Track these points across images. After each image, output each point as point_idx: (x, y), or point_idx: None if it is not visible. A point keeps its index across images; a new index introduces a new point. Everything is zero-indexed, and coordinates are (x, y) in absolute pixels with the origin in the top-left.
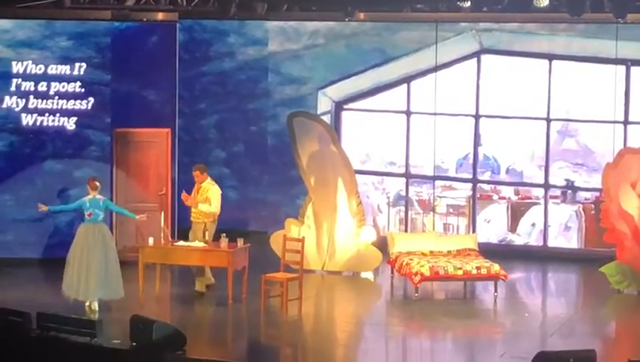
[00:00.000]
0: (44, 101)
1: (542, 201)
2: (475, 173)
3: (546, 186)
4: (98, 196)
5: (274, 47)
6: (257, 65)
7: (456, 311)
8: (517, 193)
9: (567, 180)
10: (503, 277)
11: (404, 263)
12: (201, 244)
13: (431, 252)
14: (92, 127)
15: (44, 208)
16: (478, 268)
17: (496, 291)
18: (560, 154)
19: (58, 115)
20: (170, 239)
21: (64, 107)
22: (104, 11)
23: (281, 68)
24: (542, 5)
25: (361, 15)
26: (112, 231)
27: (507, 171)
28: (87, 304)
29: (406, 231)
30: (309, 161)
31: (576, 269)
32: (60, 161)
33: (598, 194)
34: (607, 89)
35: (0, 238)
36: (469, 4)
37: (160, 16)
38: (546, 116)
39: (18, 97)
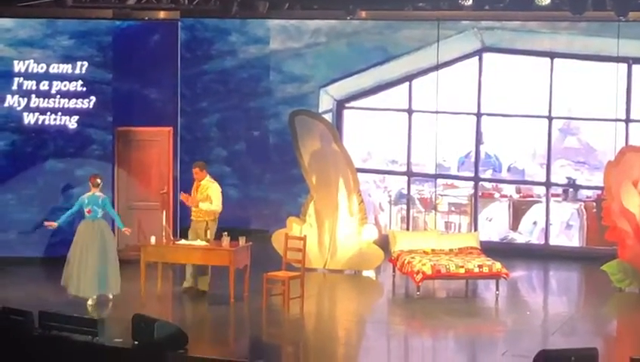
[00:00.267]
0: (46, 100)
1: (543, 199)
2: (476, 171)
3: (548, 184)
4: (98, 193)
5: (275, 45)
6: (259, 64)
7: (458, 309)
8: (519, 191)
9: (568, 178)
10: (505, 276)
11: (405, 261)
12: (203, 243)
13: (433, 250)
14: (94, 125)
15: (53, 225)
16: (479, 266)
17: (497, 289)
18: (562, 152)
19: (60, 113)
20: (172, 238)
21: (66, 106)
22: (106, 10)
23: (282, 66)
24: (543, 3)
25: (363, 13)
26: (113, 230)
27: (509, 169)
28: (89, 302)
29: (408, 229)
30: (311, 159)
31: (577, 267)
32: (62, 159)
33: (599, 192)
34: (608, 87)
35: (2, 237)
36: (470, 2)
37: (161, 14)
38: (547, 114)
39: (20, 96)
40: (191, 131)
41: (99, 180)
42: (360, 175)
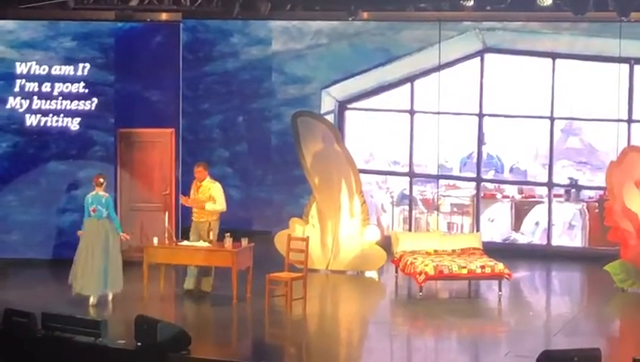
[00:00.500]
0: (48, 102)
1: (546, 200)
2: (478, 172)
3: (550, 185)
4: (101, 193)
5: (277, 46)
6: (261, 65)
7: (461, 310)
8: (521, 192)
9: (570, 179)
10: (507, 276)
11: (408, 262)
12: (206, 244)
13: (435, 251)
14: (96, 127)
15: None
16: (482, 267)
17: (500, 290)
18: (564, 152)
19: (62, 115)
20: (175, 239)
21: (68, 108)
22: (108, 12)
23: (284, 67)
24: (545, 4)
25: (365, 14)
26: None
27: (511, 170)
28: (91, 301)
29: (410, 230)
30: (314, 160)
31: (580, 268)
32: (64, 161)
33: (602, 192)
34: (610, 87)
35: (5, 239)
36: (472, 3)
37: (163, 16)
38: (549, 115)
39: (22, 98)
40: (193, 132)
41: (101, 179)
42: (362, 176)
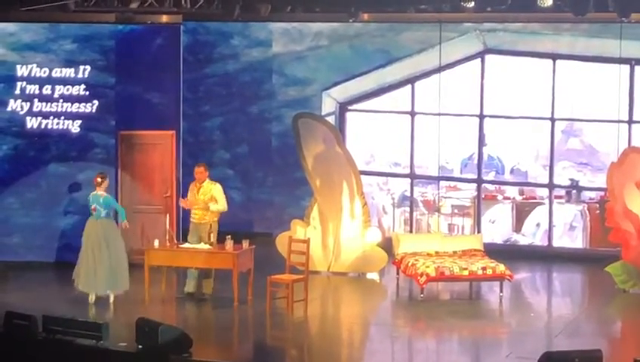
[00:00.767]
0: (49, 104)
1: (546, 201)
2: (479, 173)
3: (551, 186)
4: (100, 192)
5: (278, 48)
6: (261, 67)
7: (462, 311)
8: (521, 193)
9: (571, 180)
10: (509, 278)
11: (409, 264)
12: (207, 246)
13: (436, 252)
14: (97, 129)
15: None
16: (483, 268)
17: (501, 291)
18: (564, 153)
19: (63, 117)
20: (176, 241)
21: (69, 110)
22: (108, 14)
23: (285, 69)
24: (545, 5)
25: (365, 16)
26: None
27: (512, 171)
28: (90, 299)
29: (411, 231)
30: (315, 162)
31: (581, 269)
32: (65, 163)
33: (602, 193)
34: (611, 88)
35: (6, 241)
36: (472, 4)
37: (164, 18)
38: (550, 116)
39: (23, 100)
40: (194, 134)
41: (99, 179)
42: (363, 177)
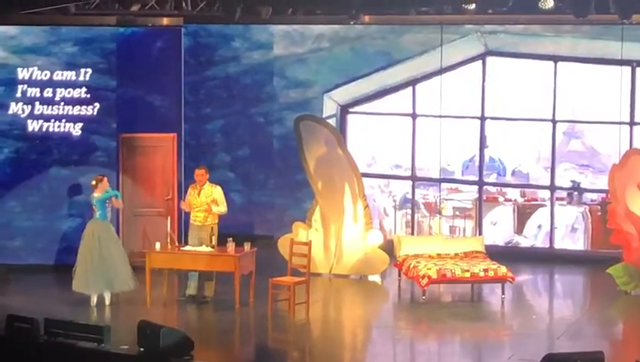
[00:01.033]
0: (50, 107)
1: (548, 203)
2: (481, 175)
3: (552, 188)
4: (95, 194)
5: (279, 50)
6: (262, 69)
7: (464, 313)
8: (523, 195)
9: (573, 182)
10: (510, 280)
11: (411, 266)
12: (208, 249)
13: (438, 254)
14: (98, 132)
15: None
16: (485, 270)
17: (503, 293)
18: (566, 155)
19: (64, 120)
20: (177, 244)
21: (70, 113)
22: (109, 17)
23: (286, 72)
24: (547, 7)
25: (366, 18)
26: (118, 235)
27: (513, 173)
28: (92, 300)
29: (412, 234)
30: (317, 165)
31: (582, 271)
32: (66, 166)
33: (604, 195)
34: (612, 90)
35: (7, 244)
36: (473, 6)
37: (165, 21)
38: (551, 118)
39: (24, 103)
40: (195, 137)
41: (93, 182)
42: (364, 180)
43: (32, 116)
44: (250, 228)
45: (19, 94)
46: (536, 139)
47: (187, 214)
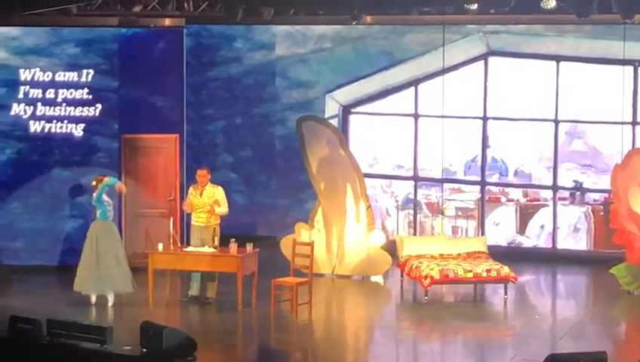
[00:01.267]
0: (52, 108)
1: (550, 203)
2: (483, 175)
3: (555, 188)
4: (94, 194)
5: (281, 51)
6: (264, 70)
7: (467, 313)
8: (525, 195)
9: (575, 182)
10: (513, 280)
11: (413, 266)
12: (211, 250)
13: (440, 255)
14: (100, 133)
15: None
16: (487, 270)
17: (506, 293)
18: (568, 155)
19: (66, 121)
20: (180, 245)
21: (72, 114)
22: (111, 18)
23: (288, 72)
24: (549, 7)
25: (368, 18)
26: (120, 236)
27: (515, 173)
28: (91, 299)
29: (415, 234)
30: (319, 165)
31: (585, 271)
32: (68, 167)
33: (607, 195)
34: (615, 90)
35: (10, 246)
36: (476, 6)
37: (167, 22)
38: (554, 118)
39: (26, 104)
40: (197, 138)
41: (94, 182)
42: (367, 180)
43: (34, 117)
44: (253, 228)
45: (21, 95)
46: (539, 139)
47: (189, 215)
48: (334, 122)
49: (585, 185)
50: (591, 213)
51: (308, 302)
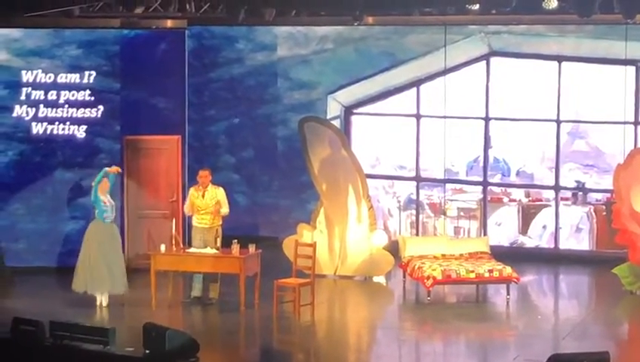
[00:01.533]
0: (54, 110)
1: (553, 203)
2: (485, 175)
3: (557, 188)
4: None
5: (283, 52)
6: (266, 71)
7: (469, 314)
8: (528, 195)
9: (577, 182)
10: (515, 280)
11: (416, 267)
12: (213, 251)
13: (443, 255)
14: (102, 135)
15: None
16: (490, 270)
17: (508, 294)
18: (570, 155)
19: (68, 123)
20: (182, 246)
21: (74, 115)
22: (113, 19)
23: (290, 73)
24: (551, 7)
25: (370, 19)
26: (122, 238)
27: (517, 173)
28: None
29: (417, 234)
30: (321, 166)
31: (588, 271)
32: (71, 169)
33: (609, 195)
34: (616, 90)
35: (12, 247)
36: (477, 6)
37: (169, 23)
38: (555, 118)
39: (28, 106)
40: (199, 139)
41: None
42: (369, 181)
43: (36, 119)
44: (255, 229)
45: (23, 97)
46: (541, 139)
47: (190, 216)
48: (336, 123)
49: (587, 185)
50: (593, 213)
51: (310, 303)
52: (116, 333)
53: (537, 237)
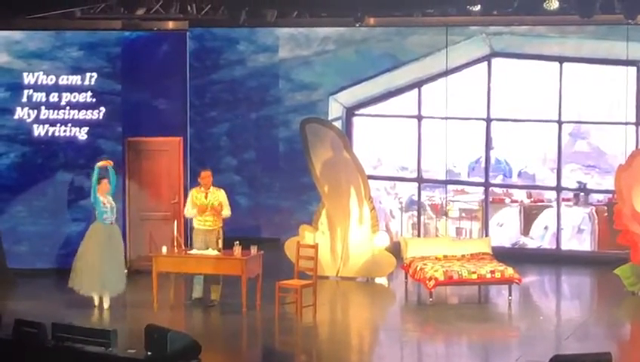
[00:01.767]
0: (56, 111)
1: (554, 204)
2: (487, 176)
3: (559, 189)
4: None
5: (284, 53)
6: (268, 72)
7: (471, 315)
8: (529, 196)
9: (579, 182)
10: (517, 281)
11: (418, 268)
12: (215, 252)
13: (445, 256)
14: (104, 136)
15: None
16: (492, 271)
17: (510, 295)
18: (572, 156)
19: (70, 125)
20: (184, 247)
21: (75, 117)
22: (114, 21)
23: (291, 74)
24: (552, 8)
25: (371, 20)
26: (124, 240)
27: (519, 174)
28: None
29: (419, 236)
30: (323, 168)
31: (589, 272)
32: (72, 171)
33: (610, 196)
34: (618, 90)
35: (14, 249)
36: (478, 7)
37: (170, 25)
38: (557, 119)
39: (29, 108)
40: (201, 141)
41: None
42: (370, 182)
43: (37, 121)
44: (257, 231)
45: (24, 99)
46: (542, 140)
47: (190, 218)
48: (338, 124)
49: (589, 186)
50: (595, 214)
51: (312, 305)
52: (118, 335)
53: (539, 238)
